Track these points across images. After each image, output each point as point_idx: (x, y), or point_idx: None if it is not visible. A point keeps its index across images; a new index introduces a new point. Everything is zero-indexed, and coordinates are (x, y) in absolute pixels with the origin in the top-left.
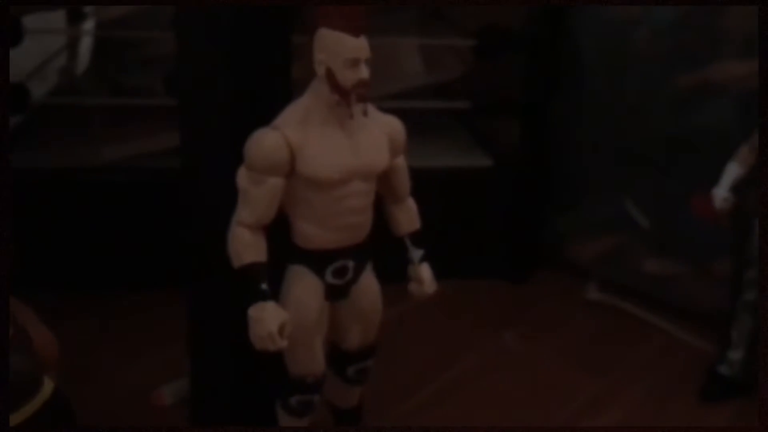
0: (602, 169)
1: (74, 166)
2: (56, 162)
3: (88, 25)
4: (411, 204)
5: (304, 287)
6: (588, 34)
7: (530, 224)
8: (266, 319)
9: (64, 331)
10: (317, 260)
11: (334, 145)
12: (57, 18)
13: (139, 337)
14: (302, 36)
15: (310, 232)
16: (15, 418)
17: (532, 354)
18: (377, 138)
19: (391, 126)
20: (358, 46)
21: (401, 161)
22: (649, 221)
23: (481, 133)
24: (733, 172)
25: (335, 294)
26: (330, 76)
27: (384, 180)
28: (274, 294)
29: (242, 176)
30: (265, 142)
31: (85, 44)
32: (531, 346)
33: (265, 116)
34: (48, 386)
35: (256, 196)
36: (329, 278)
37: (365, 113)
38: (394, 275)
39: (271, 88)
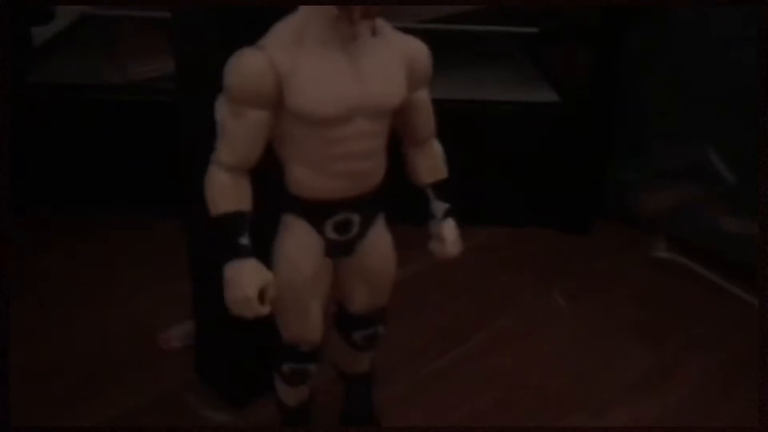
0: (682, 111)
1: (99, 83)
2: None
3: None
4: (435, 148)
5: (298, 242)
6: None
7: (595, 169)
8: (243, 282)
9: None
10: (314, 211)
11: (331, 73)
12: None
13: (145, 269)
14: None
15: (304, 179)
16: None
17: (582, 315)
18: (390, 65)
19: (411, 50)
20: None
21: (423, 95)
22: (733, 175)
23: (546, 63)
24: None
25: (337, 250)
26: None
27: (401, 118)
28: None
29: (220, 107)
30: (246, 67)
31: None
32: (582, 306)
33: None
34: None
35: (235, 133)
36: (329, 233)
37: (374, 32)
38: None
39: None
